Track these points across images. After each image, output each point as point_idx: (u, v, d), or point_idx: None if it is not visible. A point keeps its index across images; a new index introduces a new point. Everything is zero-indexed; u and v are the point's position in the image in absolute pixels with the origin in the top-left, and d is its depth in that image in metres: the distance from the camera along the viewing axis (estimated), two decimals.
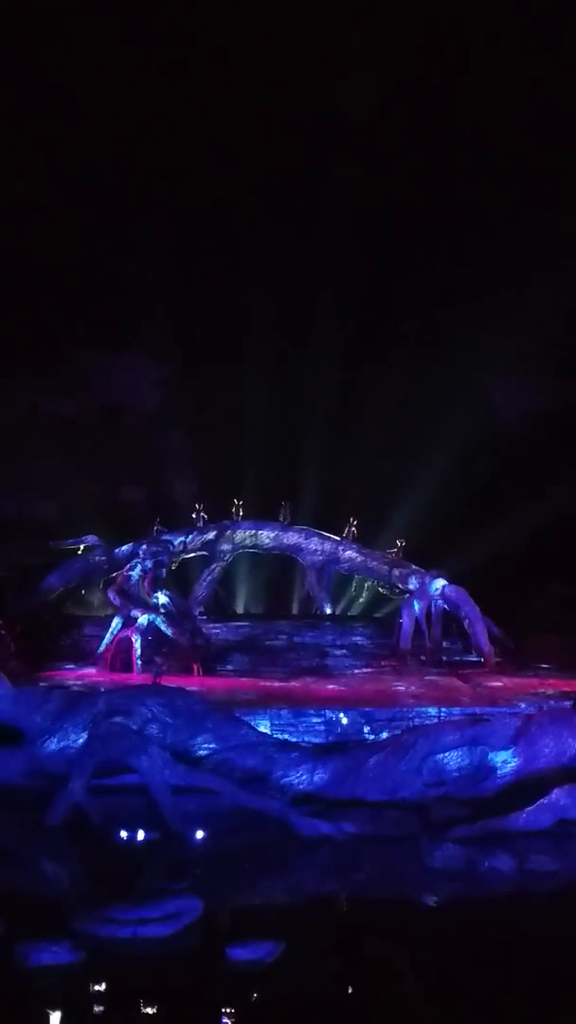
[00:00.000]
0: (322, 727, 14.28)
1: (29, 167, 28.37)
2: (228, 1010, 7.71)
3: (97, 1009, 7.80)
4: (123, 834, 11.76)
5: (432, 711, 14.74)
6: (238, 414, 28.74)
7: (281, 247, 28.80)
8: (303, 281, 29.47)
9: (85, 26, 28.60)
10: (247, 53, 28.92)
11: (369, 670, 19.25)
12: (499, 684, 17.36)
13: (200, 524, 22.84)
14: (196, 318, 29.84)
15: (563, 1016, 7.67)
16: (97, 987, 8.12)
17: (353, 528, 22.77)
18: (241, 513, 23.14)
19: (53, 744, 13.01)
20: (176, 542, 22.31)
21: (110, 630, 19.04)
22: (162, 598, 19.73)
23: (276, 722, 14.24)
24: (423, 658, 19.79)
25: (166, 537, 22.19)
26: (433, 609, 20.25)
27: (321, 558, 22.78)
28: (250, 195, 29.22)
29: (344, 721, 14.34)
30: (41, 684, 15.46)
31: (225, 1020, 7.60)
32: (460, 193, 29.43)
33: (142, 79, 28.83)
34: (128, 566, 20.40)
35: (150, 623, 19.01)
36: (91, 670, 18.30)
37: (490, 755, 12.94)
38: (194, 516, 22.98)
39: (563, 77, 27.95)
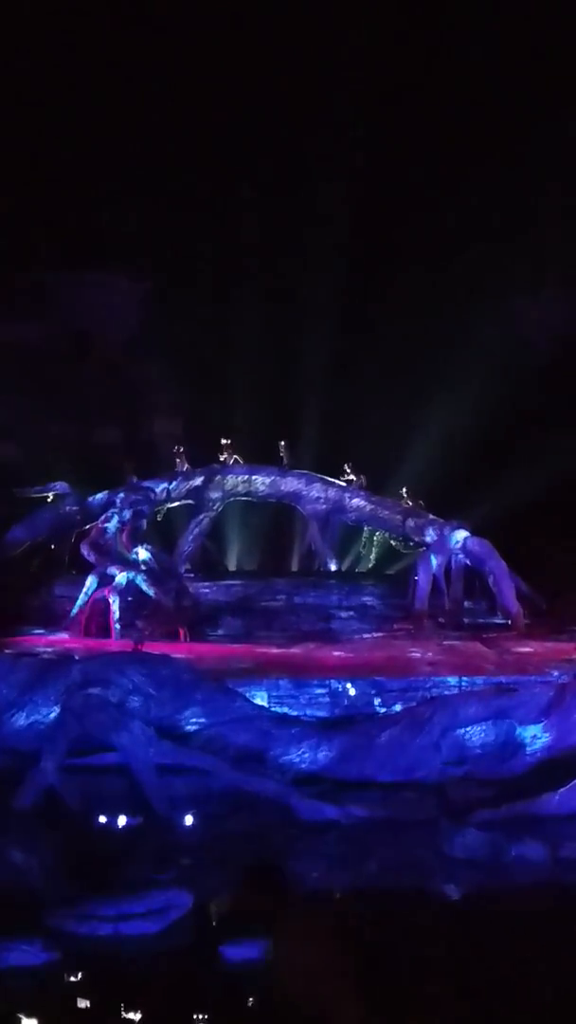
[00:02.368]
0: (327, 699, 14.33)
1: None
2: (220, 1016, 7.79)
3: (73, 1016, 7.88)
4: (102, 819, 11.83)
5: (452, 680, 14.80)
6: (228, 341, 28.46)
7: (279, 139, 28.31)
8: (304, 184, 29.01)
9: None
10: None
11: (380, 634, 19.32)
12: (528, 649, 17.42)
13: (183, 468, 22.77)
14: (179, 228, 29.40)
15: None
16: (73, 991, 8.20)
17: (350, 472, 22.73)
18: (233, 456, 23.04)
19: (22, 719, 13.08)
20: (158, 489, 22.24)
21: (84, 590, 19.06)
22: (143, 553, 19.73)
23: (274, 693, 14.29)
24: (442, 620, 19.85)
25: (146, 484, 22.11)
26: (453, 564, 20.27)
27: (325, 507, 22.74)
28: (246, 85, 28.68)
29: (352, 692, 14.39)
30: (7, 651, 15.47)
31: None
32: (482, 98, 28.99)
33: None
34: (103, 517, 20.34)
35: (130, 582, 19.03)
36: (64, 635, 18.36)
37: (518, 729, 13.03)
38: (177, 460, 22.88)
39: None
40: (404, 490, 22.51)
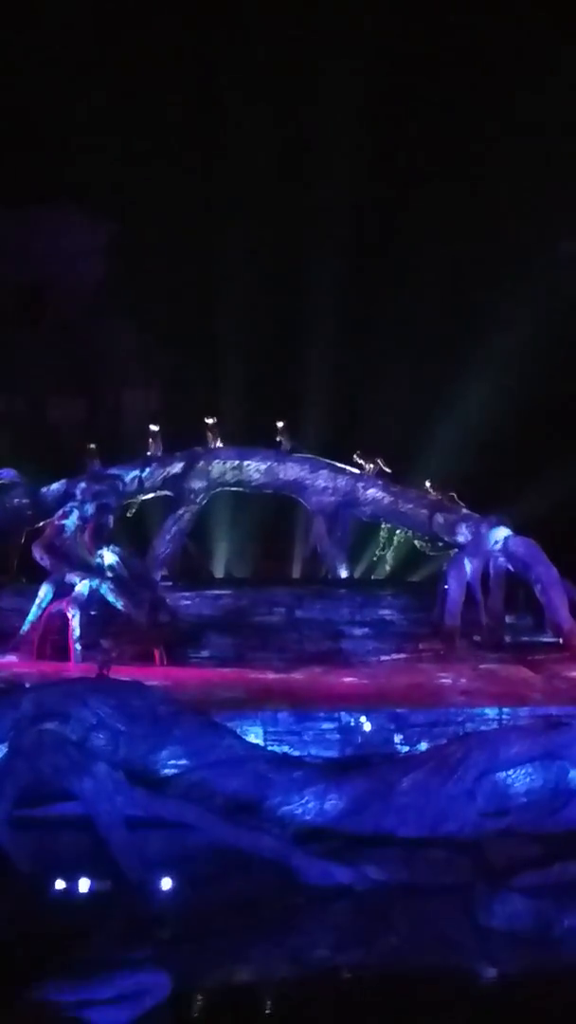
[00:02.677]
0: (336, 736, 14.41)
1: None
2: None
3: None
4: (60, 885, 11.83)
5: (491, 713, 14.87)
6: (213, 295, 28.47)
7: (281, 28, 28.27)
8: (307, 90, 28.96)
9: None
10: None
11: (402, 656, 19.39)
12: None
13: (157, 452, 22.80)
14: (152, 154, 29.40)
15: None
16: None
17: (361, 460, 22.79)
18: (217, 437, 23.08)
19: None
20: (128, 478, 22.30)
21: (37, 602, 19.12)
22: (109, 557, 19.76)
23: (272, 729, 14.37)
24: (477, 638, 19.89)
25: (113, 471, 22.16)
26: (492, 570, 20.31)
27: (333, 499, 22.81)
28: None
29: (367, 727, 14.44)
30: None
31: None
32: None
33: None
34: (61, 512, 20.39)
35: (93, 592, 19.07)
36: (11, 658, 18.40)
37: (572, 773, 13.07)
38: (150, 442, 22.93)
39: None
40: (429, 483, 22.52)
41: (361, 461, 23.04)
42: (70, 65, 28.52)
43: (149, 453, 22.97)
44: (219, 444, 23.09)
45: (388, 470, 22.95)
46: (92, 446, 22.70)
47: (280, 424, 23.20)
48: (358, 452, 23.19)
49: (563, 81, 28.58)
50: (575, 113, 29.00)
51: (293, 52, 29.50)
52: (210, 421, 23.18)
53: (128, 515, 22.50)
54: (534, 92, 28.77)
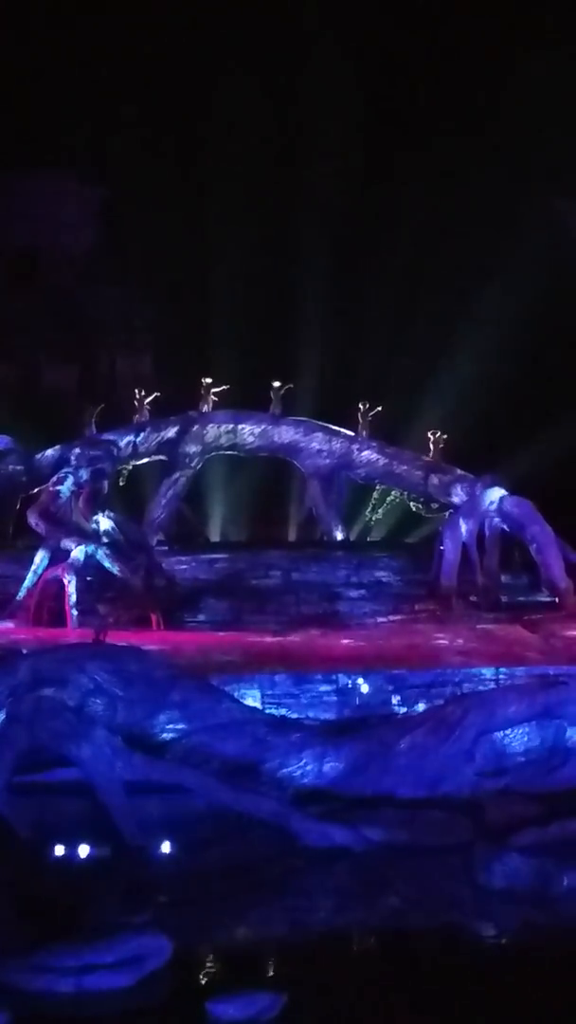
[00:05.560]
0: (333, 698, 14.41)
1: None
2: None
3: None
4: (59, 850, 11.83)
5: (488, 673, 14.86)
6: (205, 258, 28.33)
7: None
8: (302, 49, 28.73)
9: None
10: None
11: (398, 618, 19.39)
12: None
13: (144, 417, 22.73)
14: (145, 120, 29.18)
15: None
16: None
17: (369, 417, 22.72)
18: (206, 400, 22.98)
19: None
20: (123, 443, 22.25)
21: (33, 568, 19.11)
22: (105, 522, 19.73)
23: (269, 692, 14.38)
24: (474, 599, 19.88)
25: (108, 437, 22.09)
26: (487, 530, 20.29)
27: (328, 462, 22.75)
28: None
29: (364, 689, 14.42)
30: None
31: None
32: None
33: None
34: (56, 478, 20.34)
35: (89, 557, 19.06)
36: (8, 624, 18.38)
37: (569, 732, 13.07)
38: (135, 403, 22.87)
39: None
40: (432, 434, 22.41)
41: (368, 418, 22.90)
42: (61, 31, 28.26)
43: (136, 418, 22.89)
44: (211, 404, 22.94)
45: (379, 408, 22.78)
46: (92, 407, 22.64)
47: (276, 384, 23.11)
48: (367, 407, 22.96)
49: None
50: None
51: (283, 14, 29.29)
52: (207, 381, 23.10)
53: (122, 480, 22.46)
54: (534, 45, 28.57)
